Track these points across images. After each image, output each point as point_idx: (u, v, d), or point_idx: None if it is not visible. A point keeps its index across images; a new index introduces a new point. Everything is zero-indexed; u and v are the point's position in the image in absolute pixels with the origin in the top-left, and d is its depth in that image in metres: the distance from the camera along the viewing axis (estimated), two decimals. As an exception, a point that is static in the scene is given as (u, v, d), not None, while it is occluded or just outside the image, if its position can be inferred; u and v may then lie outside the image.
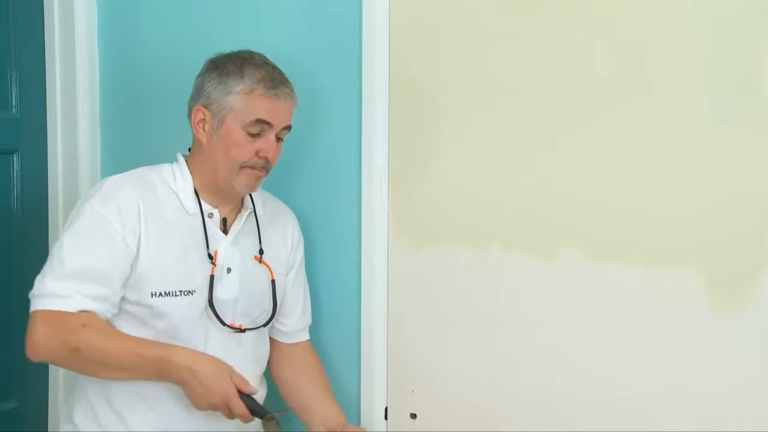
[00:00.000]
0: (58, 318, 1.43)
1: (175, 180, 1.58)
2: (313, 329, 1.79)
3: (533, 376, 1.59)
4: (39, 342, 1.44)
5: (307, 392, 1.69)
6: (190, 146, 1.63)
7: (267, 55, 1.60)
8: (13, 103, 2.16)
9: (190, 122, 1.58)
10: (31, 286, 1.46)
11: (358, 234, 1.76)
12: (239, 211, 1.63)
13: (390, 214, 1.73)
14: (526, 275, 1.58)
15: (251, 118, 1.52)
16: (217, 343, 1.56)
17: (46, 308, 1.44)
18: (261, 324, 1.64)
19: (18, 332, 2.15)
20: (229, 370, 1.48)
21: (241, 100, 1.52)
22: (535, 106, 1.56)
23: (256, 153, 1.54)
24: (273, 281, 1.64)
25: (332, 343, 1.81)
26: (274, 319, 1.67)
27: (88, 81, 2.16)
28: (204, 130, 1.56)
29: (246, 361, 1.59)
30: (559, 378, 1.56)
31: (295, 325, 1.73)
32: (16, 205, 2.17)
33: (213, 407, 1.46)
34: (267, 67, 1.56)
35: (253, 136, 1.53)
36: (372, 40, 1.71)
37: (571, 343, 1.54)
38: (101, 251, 1.47)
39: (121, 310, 1.50)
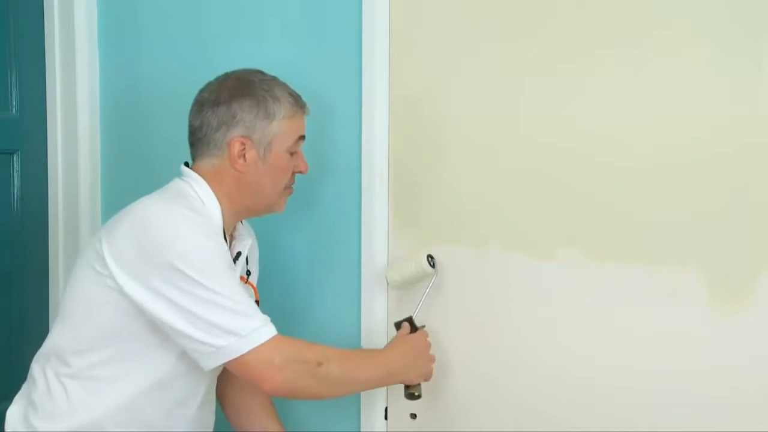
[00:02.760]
0: (280, 342, 1.39)
1: (203, 203, 1.48)
2: (314, 330, 1.79)
3: (533, 376, 1.59)
4: (282, 366, 1.38)
5: (257, 418, 1.69)
6: (186, 161, 1.55)
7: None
8: (13, 103, 2.15)
9: (217, 153, 1.49)
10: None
11: (358, 234, 1.76)
12: (233, 237, 1.58)
13: (390, 215, 1.73)
14: (526, 275, 1.58)
15: (294, 139, 1.53)
16: None
17: (265, 339, 1.37)
18: None
19: (18, 332, 2.17)
20: (408, 339, 1.62)
21: (285, 124, 1.51)
22: (535, 107, 1.56)
23: (292, 171, 1.55)
24: (257, 302, 1.60)
25: (332, 343, 1.79)
26: None
27: (88, 81, 2.16)
28: (245, 161, 1.49)
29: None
30: (559, 378, 1.56)
31: None
32: (16, 205, 2.16)
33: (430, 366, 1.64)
34: (285, 85, 1.54)
35: (292, 155, 1.54)
36: (372, 41, 1.71)
37: (571, 343, 1.55)
38: (237, 280, 1.44)
39: None
